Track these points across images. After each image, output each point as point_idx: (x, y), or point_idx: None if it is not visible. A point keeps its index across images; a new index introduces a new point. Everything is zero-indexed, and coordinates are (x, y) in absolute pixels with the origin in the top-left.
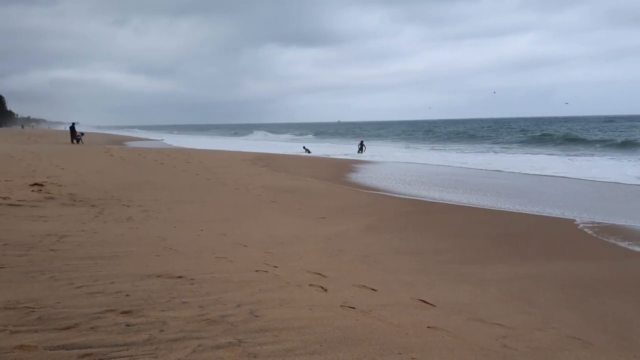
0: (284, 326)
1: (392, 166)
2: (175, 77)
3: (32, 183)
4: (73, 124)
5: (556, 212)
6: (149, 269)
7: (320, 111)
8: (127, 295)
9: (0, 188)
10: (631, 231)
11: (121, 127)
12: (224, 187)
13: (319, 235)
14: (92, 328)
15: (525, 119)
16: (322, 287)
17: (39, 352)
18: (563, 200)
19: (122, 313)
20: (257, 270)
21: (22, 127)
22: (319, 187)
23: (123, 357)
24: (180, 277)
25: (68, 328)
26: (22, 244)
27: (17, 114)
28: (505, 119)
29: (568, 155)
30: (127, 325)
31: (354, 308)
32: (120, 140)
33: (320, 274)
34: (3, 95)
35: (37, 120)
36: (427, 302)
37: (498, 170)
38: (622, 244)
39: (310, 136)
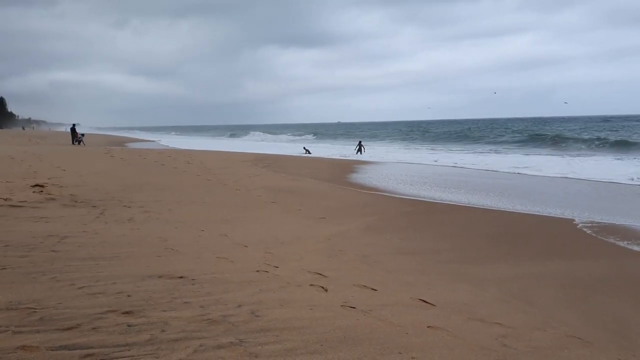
0: (285, 326)
1: (392, 167)
2: (175, 79)
3: (33, 184)
4: (74, 125)
5: (555, 212)
6: (150, 270)
7: (320, 112)
8: (128, 296)
9: (2, 189)
10: (630, 230)
11: (121, 129)
12: (224, 187)
13: (319, 235)
14: (93, 328)
15: (524, 119)
16: (323, 287)
17: (41, 352)
18: (562, 200)
19: (123, 313)
20: (257, 271)
21: (23, 128)
22: (319, 187)
23: (125, 357)
24: (181, 277)
25: (70, 328)
26: (23, 245)
27: (17, 116)
28: (506, 119)
29: (567, 155)
30: (129, 326)
31: (354, 308)
32: (120, 142)
33: (320, 274)
34: (3, 97)
35: (37, 122)
36: (427, 302)
37: (494, 170)
38: (621, 244)
39: (309, 136)
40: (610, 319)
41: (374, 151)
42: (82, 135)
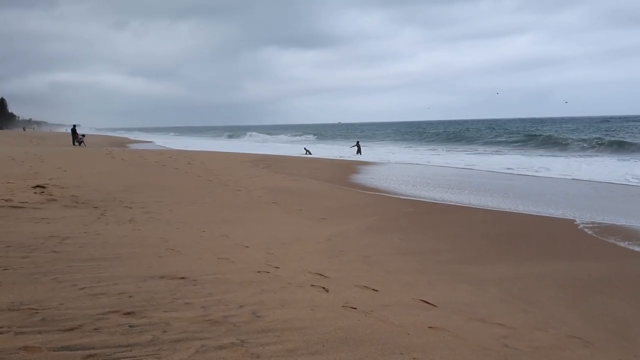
0: (286, 326)
1: (392, 167)
2: (175, 80)
3: (35, 185)
4: (74, 126)
5: (556, 212)
6: (152, 270)
7: (320, 113)
8: (130, 297)
9: (3, 190)
10: (631, 231)
11: (121, 130)
12: (225, 188)
13: (320, 235)
14: (95, 329)
15: (524, 120)
16: (324, 288)
17: (43, 353)
18: (563, 200)
19: (125, 314)
20: (259, 271)
21: (24, 129)
22: (319, 188)
23: (126, 357)
24: (182, 278)
25: (71, 329)
26: (24, 245)
27: (18, 117)
28: (506, 119)
29: (567, 156)
30: (131, 326)
31: (355, 308)
32: (121, 142)
33: (321, 275)
34: (4, 97)
35: (38, 123)
36: (428, 302)
37: (495, 171)
38: (622, 244)
39: (310, 137)
40: (611, 319)
41: (374, 152)
42: (83, 136)
